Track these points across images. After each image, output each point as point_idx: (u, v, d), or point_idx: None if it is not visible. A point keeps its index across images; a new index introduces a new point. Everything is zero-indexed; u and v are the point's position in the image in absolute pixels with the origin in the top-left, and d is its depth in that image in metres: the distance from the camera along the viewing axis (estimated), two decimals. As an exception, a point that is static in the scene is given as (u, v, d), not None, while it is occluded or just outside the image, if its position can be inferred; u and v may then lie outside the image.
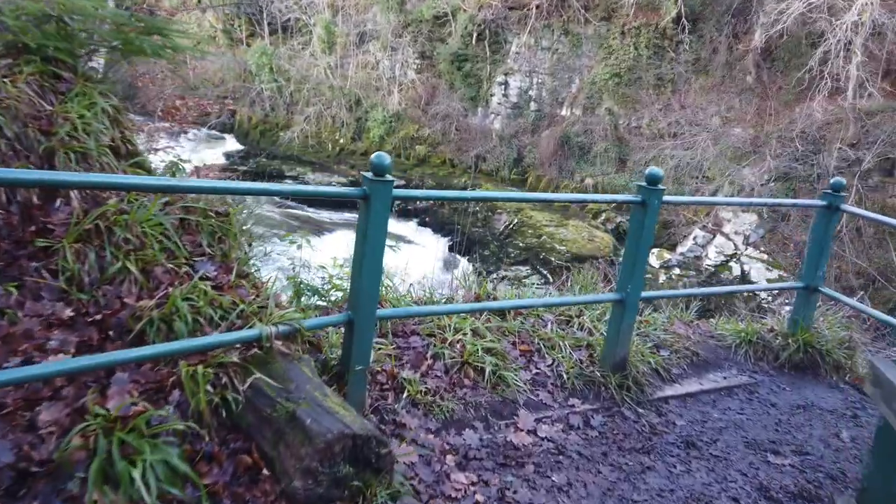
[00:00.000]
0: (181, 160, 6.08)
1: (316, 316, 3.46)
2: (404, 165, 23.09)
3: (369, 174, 2.86)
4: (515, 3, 22.16)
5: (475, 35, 22.72)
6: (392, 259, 4.12)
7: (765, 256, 16.87)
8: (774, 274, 16.50)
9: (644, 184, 3.86)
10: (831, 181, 4.78)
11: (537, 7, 21.60)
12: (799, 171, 17.10)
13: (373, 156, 2.86)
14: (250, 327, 2.73)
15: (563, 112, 22.33)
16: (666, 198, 3.91)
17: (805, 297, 5.06)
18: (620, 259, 4.42)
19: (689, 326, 5.26)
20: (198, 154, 24.92)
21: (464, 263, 17.62)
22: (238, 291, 2.97)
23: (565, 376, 4.12)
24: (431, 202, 20.64)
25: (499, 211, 19.45)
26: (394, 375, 3.60)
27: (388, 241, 3.08)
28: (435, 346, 3.98)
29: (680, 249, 17.63)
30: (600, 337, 4.43)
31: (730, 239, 17.42)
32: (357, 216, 3.04)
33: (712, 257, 17.23)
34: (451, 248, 18.38)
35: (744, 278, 16.70)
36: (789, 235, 16.94)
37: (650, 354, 4.51)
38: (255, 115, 25.95)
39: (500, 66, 22.78)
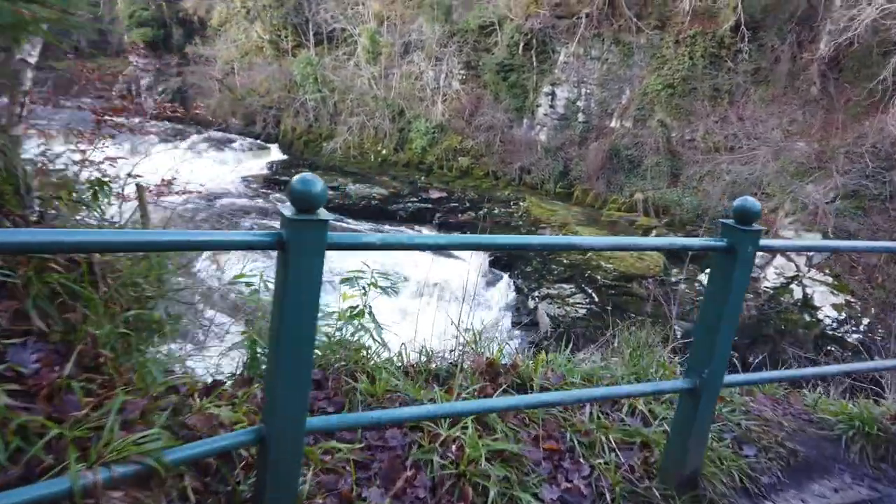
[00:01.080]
0: (135, 176, 5.00)
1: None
2: (447, 177, 22.59)
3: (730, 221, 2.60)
4: (564, 12, 21.48)
5: (522, 45, 22.13)
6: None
7: (830, 279, 15.67)
8: (840, 298, 15.30)
9: (731, 221, 2.62)
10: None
11: (587, 16, 20.88)
12: (869, 189, 15.88)
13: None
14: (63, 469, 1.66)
15: (613, 124, 21.50)
16: (764, 242, 2.65)
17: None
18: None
19: (779, 405, 3.99)
20: (241, 164, 25.01)
21: (505, 280, 16.96)
22: (66, 399, 1.90)
23: (609, 497, 2.80)
24: (468, 217, 20.06)
25: (542, 226, 18.72)
26: (350, 501, 2.42)
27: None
28: (421, 446, 2.77)
29: (736, 270, 16.55)
30: (660, 431, 3.20)
31: (791, 260, 16.27)
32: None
33: (771, 279, 16.12)
34: (492, 264, 17.71)
35: (806, 302, 15.54)
36: (857, 257, 15.70)
37: (731, 457, 3.16)
38: (300, 126, 25.90)
39: (547, 76, 22.11)
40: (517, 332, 14.85)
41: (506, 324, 15.11)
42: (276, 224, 1.98)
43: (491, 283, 16.90)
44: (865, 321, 14.52)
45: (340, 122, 24.45)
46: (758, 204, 2.61)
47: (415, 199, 21.16)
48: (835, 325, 14.74)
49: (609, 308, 14.60)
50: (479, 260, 17.88)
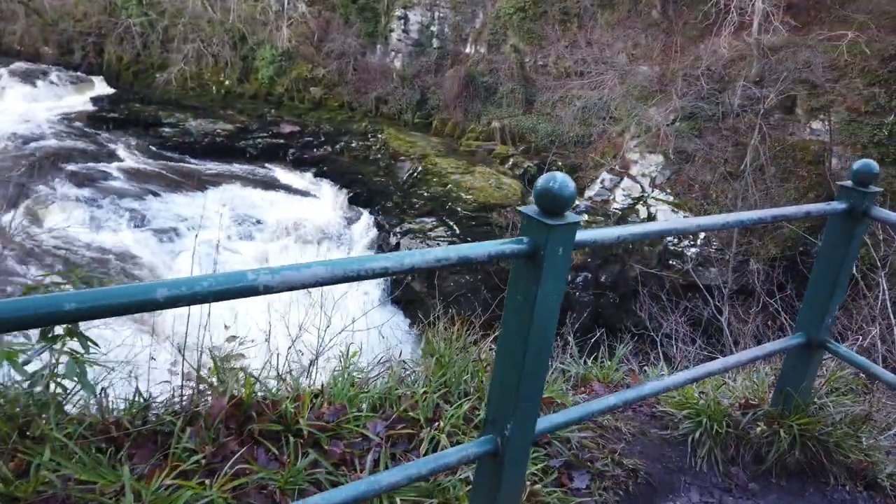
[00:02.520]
0: None
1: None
2: (298, 109, 21.25)
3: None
4: (412, -72, 20.34)
5: (370, -36, 20.80)
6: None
7: (671, 198, 16.66)
8: (680, 216, 16.34)
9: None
10: (853, 167, 2.57)
11: (436, -67, 19.90)
12: (704, 111, 16.82)
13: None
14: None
15: (468, 50, 21.07)
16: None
17: (803, 358, 2.96)
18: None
19: (615, 393, 2.84)
20: (60, 100, 22.03)
21: (365, 216, 16.44)
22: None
23: None
24: (328, 151, 19.13)
25: (402, 158, 18.23)
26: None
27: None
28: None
29: (588, 194, 17.15)
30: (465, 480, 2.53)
31: (637, 181, 17.08)
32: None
33: (620, 201, 16.87)
34: (351, 201, 17.07)
35: (650, 220, 16.46)
36: (694, 177, 16.77)
37: (557, 499, 2.52)
38: (126, 55, 23.04)
39: (399, -2, 21.07)
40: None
41: (368, 262, 14.70)
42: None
43: (352, 221, 16.32)
44: (702, 235, 15.62)
45: (173, 50, 21.99)
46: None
47: (265, 135, 19.74)
48: (675, 240, 15.72)
49: (470, 239, 14.62)
50: (338, 197, 17.22)
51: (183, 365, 2.68)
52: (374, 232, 15.69)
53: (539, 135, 19.04)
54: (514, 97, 19.76)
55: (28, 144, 18.02)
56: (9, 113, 20.43)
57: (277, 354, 2.97)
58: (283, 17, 21.67)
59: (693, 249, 15.58)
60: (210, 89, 21.88)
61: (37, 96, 21.77)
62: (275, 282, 1.39)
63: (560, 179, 1.69)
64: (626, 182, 17.14)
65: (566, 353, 3.99)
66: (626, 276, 15.76)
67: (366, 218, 16.24)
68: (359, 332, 4.14)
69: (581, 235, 1.79)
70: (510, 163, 18.16)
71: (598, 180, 17.26)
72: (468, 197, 15.97)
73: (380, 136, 19.46)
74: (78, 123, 20.00)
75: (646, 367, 4.11)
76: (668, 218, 16.25)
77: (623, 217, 16.52)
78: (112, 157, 17.92)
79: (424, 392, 2.91)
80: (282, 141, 19.62)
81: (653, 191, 16.91)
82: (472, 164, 17.75)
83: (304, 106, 21.29)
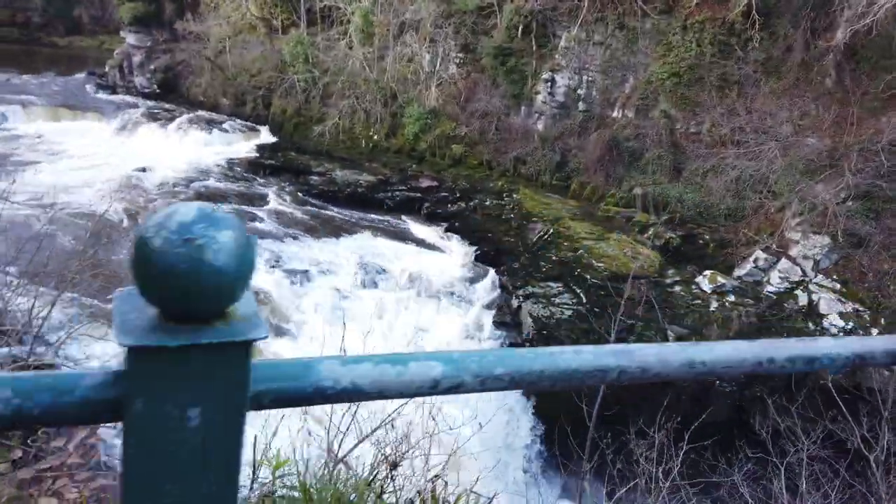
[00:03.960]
0: None
1: None
2: (439, 165, 21.61)
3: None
4: (566, -7, 20.34)
5: (521, 27, 21.01)
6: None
7: (838, 286, 14.62)
8: (849, 307, 14.25)
9: None
10: None
11: (590, -3, 19.74)
12: (883, 190, 14.78)
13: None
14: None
15: (614, 114, 20.40)
16: None
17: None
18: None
19: None
20: (229, 146, 24.16)
21: (491, 275, 16.01)
22: None
23: None
24: (462, 204, 19.12)
25: (534, 219, 17.73)
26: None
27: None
28: None
29: (737, 272, 15.54)
30: None
31: (797, 264, 15.21)
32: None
33: (775, 283, 15.08)
34: (478, 258, 16.76)
35: (811, 309, 14.50)
36: (868, 264, 14.64)
37: None
38: (290, 108, 24.93)
39: (547, 61, 21.00)
40: (498, 333, 13.95)
41: (487, 322, 14.20)
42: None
43: (475, 279, 15.95)
44: (875, 332, 13.45)
45: (331, 105, 23.46)
46: None
47: (403, 188, 20.21)
48: (841, 335, 13.67)
49: (597, 310, 13.66)
50: (465, 253, 16.99)
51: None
52: (496, 293, 15.18)
53: (685, 205, 17.76)
54: (660, 164, 18.70)
55: (193, 183, 19.77)
56: (185, 155, 22.73)
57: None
58: (434, 78, 22.40)
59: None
60: (359, 142, 22.94)
61: (210, 142, 24.04)
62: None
63: (199, 216, 0.74)
64: (784, 263, 15.34)
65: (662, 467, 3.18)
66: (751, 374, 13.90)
67: (490, 277, 15.80)
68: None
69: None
70: (650, 232, 16.99)
71: (751, 259, 15.62)
72: (600, 265, 15.04)
73: (515, 195, 19.15)
74: (239, 168, 21.72)
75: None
76: (832, 308, 14.22)
77: (778, 302, 14.71)
78: (263, 200, 19.12)
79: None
80: (419, 195, 19.94)
81: (816, 275, 14.98)
82: (608, 230, 16.82)
83: (445, 162, 21.60)
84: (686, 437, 5.00)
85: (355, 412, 4.01)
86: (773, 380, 12.56)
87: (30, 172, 19.05)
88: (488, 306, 14.79)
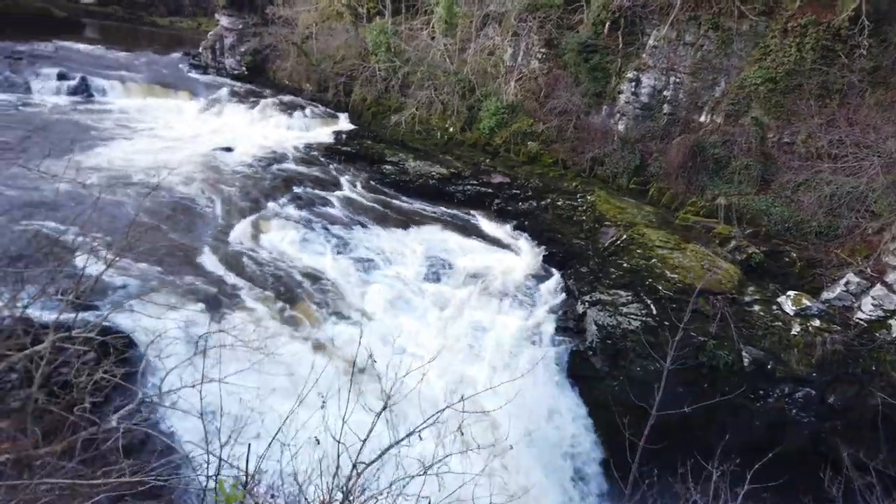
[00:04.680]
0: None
1: None
2: (512, 161, 21.23)
3: None
4: (659, -10, 19.48)
5: (608, 24, 20.31)
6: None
7: (938, 319, 13.38)
8: (950, 343, 13.03)
9: None
10: None
11: (684, -5, 18.82)
12: None
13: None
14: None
15: (702, 118, 19.43)
16: None
17: None
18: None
19: None
20: (308, 131, 24.58)
21: (556, 278, 15.59)
22: None
23: None
24: (534, 203, 18.70)
25: (607, 223, 17.14)
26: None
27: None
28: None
29: (825, 295, 14.49)
30: None
31: (893, 291, 14.02)
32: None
33: (867, 311, 13.96)
34: (545, 259, 16.36)
35: (906, 341, 13.35)
36: (976, 296, 13.33)
37: None
38: (370, 96, 25.12)
39: (633, 60, 20.21)
40: (559, 339, 13.55)
41: (549, 327, 13.82)
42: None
43: (541, 280, 15.57)
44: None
45: (409, 95, 23.46)
46: None
47: (475, 183, 19.98)
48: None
49: (667, 324, 13.04)
50: (533, 253, 16.62)
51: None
52: (561, 296, 14.76)
53: (772, 219, 16.73)
54: (747, 174, 17.68)
55: (271, 166, 20.21)
56: (266, 137, 23.30)
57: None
58: (514, 73, 22.00)
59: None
60: (434, 134, 22.85)
61: (291, 126, 24.55)
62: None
63: None
64: (879, 290, 14.19)
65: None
66: (865, 404, 12.88)
67: (556, 279, 15.39)
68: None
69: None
70: (731, 245, 16.09)
71: (841, 282, 14.52)
72: (673, 276, 14.35)
73: (589, 197, 18.58)
74: (316, 153, 22.05)
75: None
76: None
77: (869, 331, 13.62)
78: (335, 186, 19.33)
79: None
80: (490, 190, 19.67)
81: (914, 305, 13.77)
82: (685, 240, 16.04)
83: (519, 159, 21.21)
84: (748, 478, 4.55)
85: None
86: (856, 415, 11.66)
87: (120, 144, 19.98)
88: (552, 310, 14.39)
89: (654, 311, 13.52)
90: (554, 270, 15.89)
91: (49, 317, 4.68)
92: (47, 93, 24.67)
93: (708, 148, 18.51)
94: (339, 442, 3.98)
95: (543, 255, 16.51)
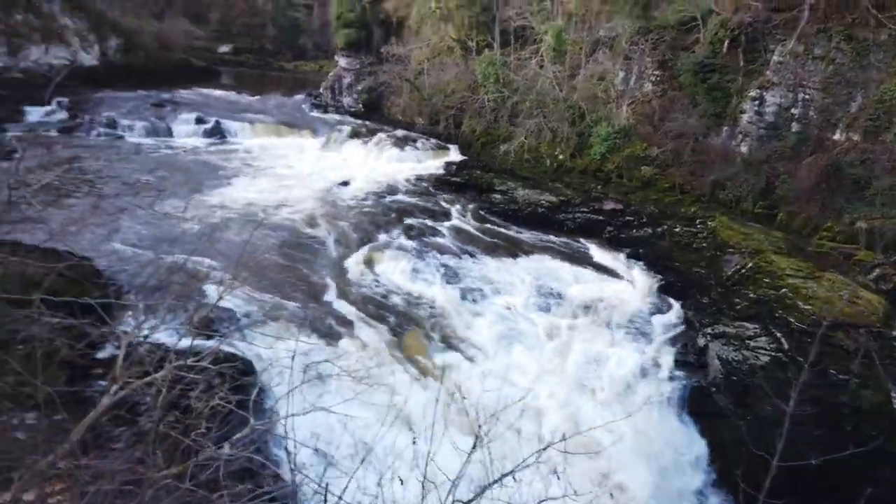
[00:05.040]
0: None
1: None
2: (625, 188, 20.61)
3: None
4: (782, 4, 18.38)
5: (727, 42, 19.38)
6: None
7: None
8: None
9: None
10: None
11: (811, 7, 17.62)
12: None
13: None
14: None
15: (836, 136, 17.95)
16: None
17: None
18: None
19: None
20: (420, 163, 25.24)
21: (676, 309, 14.81)
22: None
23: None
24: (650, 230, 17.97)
25: (730, 250, 16.13)
26: None
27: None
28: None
29: None
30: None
31: None
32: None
33: None
34: (662, 289, 15.61)
35: None
36: None
37: None
38: (479, 127, 25.45)
39: (756, 78, 19.10)
40: (679, 373, 12.80)
41: (667, 361, 13.10)
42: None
43: (657, 311, 14.85)
44: None
45: (518, 124, 23.51)
46: None
47: (585, 210, 19.54)
48: None
49: (800, 359, 11.96)
50: (649, 283, 15.94)
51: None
52: (681, 328, 13.97)
53: (924, 244, 15.04)
54: (892, 195, 16.07)
55: (384, 198, 20.88)
56: (380, 171, 24.16)
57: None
58: (626, 96, 21.48)
59: None
60: (543, 162, 22.69)
61: (403, 158, 25.30)
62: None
63: None
64: None
65: None
66: None
67: (675, 311, 14.61)
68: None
69: None
70: (875, 274, 14.61)
71: None
72: (806, 307, 13.19)
73: (709, 223, 17.61)
74: (426, 184, 22.55)
75: None
76: None
77: None
78: (445, 216, 19.61)
79: None
80: (601, 217, 19.16)
81: None
82: (821, 268, 14.73)
83: (632, 185, 20.55)
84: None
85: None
86: None
87: (244, 182, 21.47)
88: (670, 342, 13.65)
89: (786, 346, 12.45)
90: (672, 301, 15.11)
91: (170, 341, 5.01)
92: (186, 136, 27.08)
93: (844, 168, 17.05)
94: (425, 479, 3.92)
95: (660, 285, 15.77)
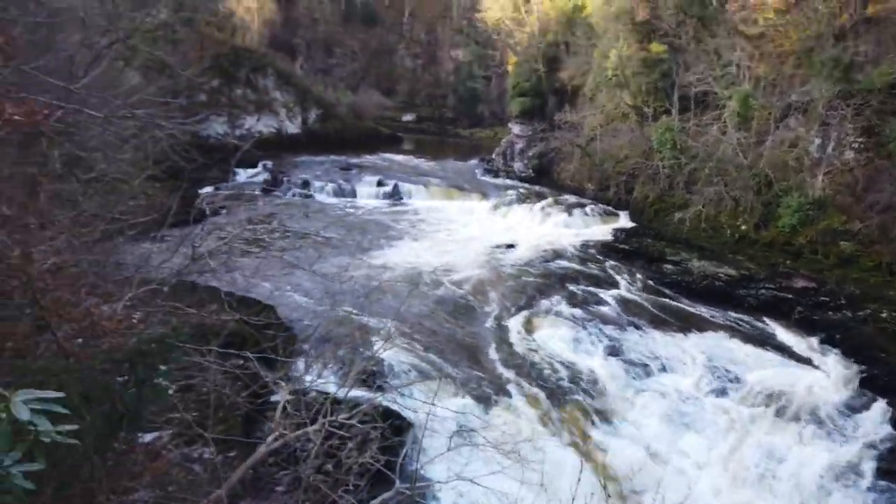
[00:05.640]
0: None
1: None
2: (820, 264, 18.53)
3: None
4: None
5: (951, 104, 17.03)
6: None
7: None
8: None
9: None
10: None
11: None
12: None
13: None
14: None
15: None
16: None
17: None
18: None
19: None
20: (587, 228, 24.83)
21: (880, 406, 12.77)
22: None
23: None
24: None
25: (955, 344, 13.69)
26: None
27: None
28: None
29: None
30: None
31: None
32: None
33: None
34: (864, 382, 13.57)
35: None
36: None
37: None
38: (652, 193, 24.57)
39: None
40: (884, 484, 10.90)
41: (869, 467, 11.24)
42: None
43: (857, 408, 12.89)
44: None
45: (695, 192, 22.31)
46: None
47: (771, 286, 17.79)
48: None
49: None
50: (846, 374, 14.01)
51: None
52: (886, 430, 11.96)
53: None
54: None
55: (549, 263, 20.70)
56: (546, 235, 24.10)
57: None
58: (822, 165, 19.56)
59: None
60: (723, 232, 21.21)
61: (569, 224, 25.07)
62: None
63: None
64: None
65: None
66: None
67: (879, 409, 12.58)
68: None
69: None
70: None
71: None
72: None
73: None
74: (593, 250, 22.02)
75: None
76: None
77: None
78: (611, 284, 18.91)
79: None
80: (790, 296, 17.31)
81: None
82: None
83: (828, 261, 18.43)
84: None
85: None
86: None
87: (413, 241, 22.50)
88: (873, 446, 11.71)
89: None
90: (876, 397, 13.05)
91: (330, 390, 5.22)
92: (368, 197, 29.24)
93: None
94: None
95: (861, 378, 13.72)
